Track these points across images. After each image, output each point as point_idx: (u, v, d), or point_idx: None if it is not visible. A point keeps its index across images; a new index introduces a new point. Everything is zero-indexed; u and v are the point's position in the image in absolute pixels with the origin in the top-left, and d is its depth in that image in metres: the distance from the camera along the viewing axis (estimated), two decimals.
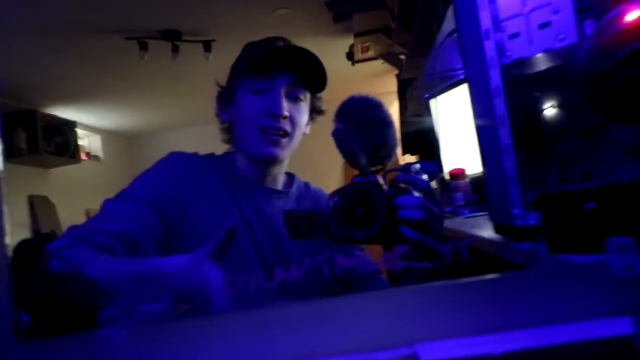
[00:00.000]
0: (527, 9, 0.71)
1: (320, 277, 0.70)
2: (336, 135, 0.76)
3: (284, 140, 0.99)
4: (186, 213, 0.96)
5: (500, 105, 0.74)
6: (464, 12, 0.77)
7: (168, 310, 0.68)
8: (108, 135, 5.93)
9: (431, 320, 0.41)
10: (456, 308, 0.41)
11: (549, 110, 0.79)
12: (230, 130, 1.09)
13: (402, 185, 0.77)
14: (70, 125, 4.86)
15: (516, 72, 0.74)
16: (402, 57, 3.65)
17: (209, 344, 0.42)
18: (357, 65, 4.14)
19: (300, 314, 0.43)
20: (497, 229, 0.78)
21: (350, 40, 3.72)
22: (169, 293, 0.70)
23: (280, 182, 1.10)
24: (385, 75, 4.82)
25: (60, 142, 4.67)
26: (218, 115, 1.10)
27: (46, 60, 3.65)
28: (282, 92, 0.98)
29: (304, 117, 1.03)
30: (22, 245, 0.48)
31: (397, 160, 3.74)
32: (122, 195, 0.94)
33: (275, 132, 0.98)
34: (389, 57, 3.94)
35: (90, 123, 5.47)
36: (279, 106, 0.96)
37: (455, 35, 1.74)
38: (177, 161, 1.03)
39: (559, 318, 0.39)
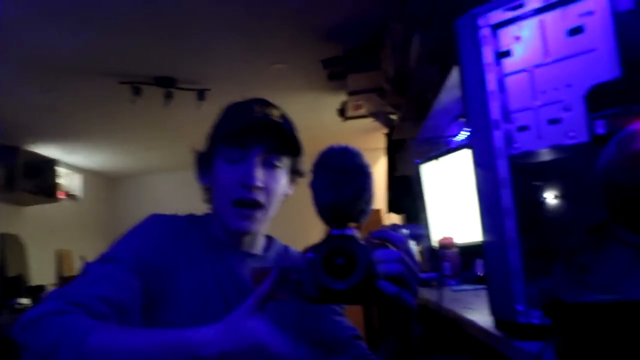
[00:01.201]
0: (538, 103, 0.72)
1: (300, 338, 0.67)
2: (314, 184, 0.73)
3: (258, 214, 0.98)
4: (167, 278, 0.93)
5: (506, 196, 0.73)
6: (474, 100, 0.77)
7: None
8: (89, 175, 5.85)
9: None
10: None
11: (553, 201, 0.79)
12: (208, 193, 1.07)
13: (376, 241, 0.73)
14: (51, 164, 4.80)
15: (523, 162, 0.74)
16: (392, 116, 3.72)
17: None
18: (348, 121, 4.20)
19: None
20: (499, 325, 0.76)
21: (343, 96, 3.79)
22: None
23: (258, 246, 1.08)
24: (374, 133, 4.89)
25: (39, 180, 4.58)
26: (198, 179, 1.08)
27: (33, 97, 3.64)
28: (257, 161, 0.97)
29: (280, 183, 1.02)
30: None
31: (380, 219, 3.69)
32: (107, 259, 0.90)
33: (249, 204, 0.96)
34: (379, 116, 4.00)
35: (72, 162, 5.41)
36: (252, 177, 0.95)
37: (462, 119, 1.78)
38: (159, 224, 1.00)
39: None
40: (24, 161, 4.42)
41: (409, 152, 2.84)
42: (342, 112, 4.13)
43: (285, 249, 1.14)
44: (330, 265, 0.67)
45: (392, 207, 3.80)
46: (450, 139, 2.26)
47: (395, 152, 3.49)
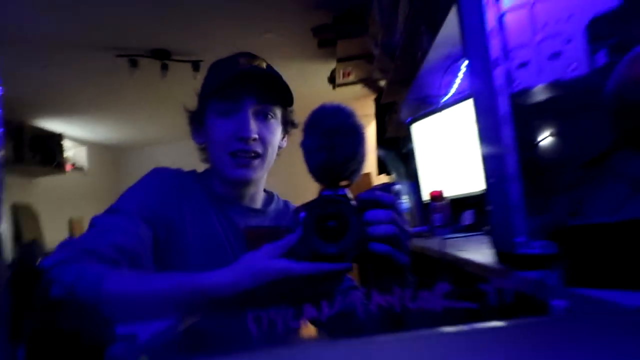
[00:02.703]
0: (538, 38, 0.69)
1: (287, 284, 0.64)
2: (306, 144, 0.67)
3: (256, 162, 0.94)
4: (173, 228, 0.90)
5: (507, 133, 0.70)
6: (473, 40, 0.73)
7: (173, 327, 0.62)
8: (94, 147, 5.76)
9: None
10: (505, 351, 0.35)
11: (550, 138, 0.76)
12: (204, 152, 1.03)
13: (367, 202, 0.68)
14: (57, 138, 4.71)
15: (522, 101, 0.71)
16: (381, 82, 3.65)
17: None
18: (338, 88, 4.13)
19: (329, 353, 0.37)
20: (500, 257, 0.74)
21: (333, 64, 3.70)
22: (212, 303, 0.63)
23: (258, 201, 1.04)
24: (364, 99, 4.81)
25: (46, 153, 4.51)
26: (192, 138, 1.03)
27: (36, 73, 3.53)
28: (250, 112, 0.92)
29: (275, 134, 0.97)
30: (16, 266, 0.41)
31: (371, 182, 3.68)
32: (113, 210, 0.86)
33: (246, 155, 0.92)
34: (368, 82, 3.94)
35: (77, 135, 5.31)
36: (247, 129, 0.90)
37: (462, 61, 1.73)
38: (164, 176, 0.96)
39: None
40: (30, 135, 4.33)
41: (399, 113, 2.80)
42: (332, 80, 4.05)
43: (285, 204, 1.11)
44: (322, 228, 0.62)
45: (382, 169, 3.78)
46: (439, 97, 2.21)
47: (384, 115, 3.44)
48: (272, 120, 0.96)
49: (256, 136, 0.92)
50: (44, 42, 3.06)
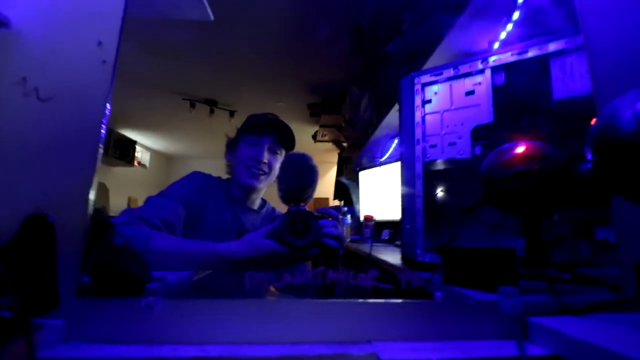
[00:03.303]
0: (443, 132, 0.71)
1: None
2: (280, 177, 0.68)
3: (262, 177, 0.93)
4: (199, 212, 0.87)
5: (419, 185, 0.72)
6: (407, 127, 0.75)
7: (190, 277, 0.58)
8: (155, 153, 5.55)
9: (383, 325, 0.35)
10: (405, 319, 0.35)
11: (443, 192, 0.78)
12: (230, 167, 1.01)
13: (320, 214, 0.69)
14: (132, 143, 4.52)
15: (430, 167, 0.73)
16: (344, 144, 3.70)
17: (224, 319, 0.34)
18: (318, 143, 4.15)
19: (294, 308, 0.35)
20: (404, 260, 0.74)
21: (316, 128, 3.74)
22: (222, 264, 0.60)
23: (256, 204, 1.02)
24: (332, 152, 4.84)
25: (123, 151, 4.32)
26: (225, 156, 1.02)
27: (128, 102, 3.41)
28: (266, 146, 0.93)
29: (278, 163, 0.97)
30: (93, 220, 0.38)
31: (328, 203, 3.59)
32: (163, 194, 0.83)
33: (257, 170, 0.92)
34: (336, 142, 3.98)
35: (146, 143, 5.12)
36: (261, 155, 0.91)
37: (394, 139, 1.77)
38: (199, 176, 0.94)
39: (470, 336, 0.34)
40: (115, 138, 4.15)
41: (352, 164, 2.83)
42: (314, 137, 4.08)
43: (273, 209, 1.08)
44: (293, 228, 0.63)
45: (337, 197, 3.78)
46: (378, 158, 2.26)
47: (343, 164, 3.47)
48: (278, 155, 0.96)
49: (266, 161, 0.92)
50: (137, 79, 2.98)
